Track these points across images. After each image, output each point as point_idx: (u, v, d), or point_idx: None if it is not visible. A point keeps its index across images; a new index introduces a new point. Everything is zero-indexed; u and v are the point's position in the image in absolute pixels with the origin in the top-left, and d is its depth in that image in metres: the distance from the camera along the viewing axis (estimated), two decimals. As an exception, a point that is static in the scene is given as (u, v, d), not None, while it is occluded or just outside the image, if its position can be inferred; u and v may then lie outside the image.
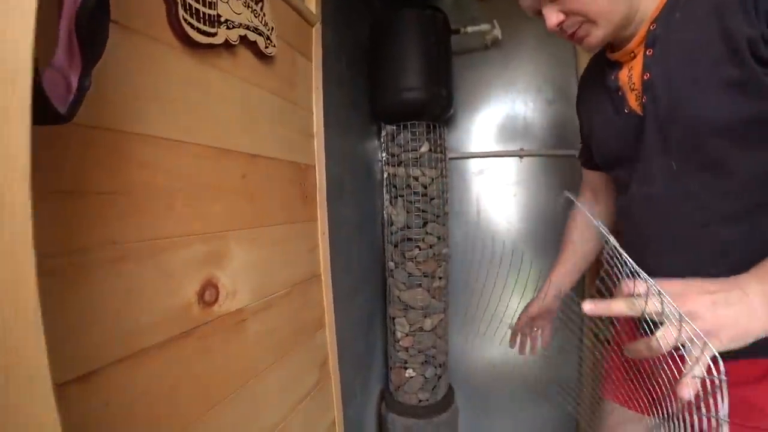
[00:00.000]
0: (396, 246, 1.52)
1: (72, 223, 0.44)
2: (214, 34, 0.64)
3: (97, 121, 0.47)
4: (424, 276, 1.49)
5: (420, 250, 1.49)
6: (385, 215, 1.62)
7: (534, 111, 1.69)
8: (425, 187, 1.50)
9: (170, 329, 0.56)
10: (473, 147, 1.75)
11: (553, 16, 0.66)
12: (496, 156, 1.72)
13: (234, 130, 0.71)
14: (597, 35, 0.66)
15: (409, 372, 1.51)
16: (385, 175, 1.62)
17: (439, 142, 1.53)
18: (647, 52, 0.65)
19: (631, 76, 0.69)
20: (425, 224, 1.50)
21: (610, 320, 1.32)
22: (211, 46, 0.65)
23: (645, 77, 0.65)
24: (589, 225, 0.96)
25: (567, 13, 0.66)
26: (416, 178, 1.49)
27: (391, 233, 1.53)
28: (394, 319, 1.53)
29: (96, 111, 0.47)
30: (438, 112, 1.46)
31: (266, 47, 0.79)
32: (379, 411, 1.62)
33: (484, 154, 1.73)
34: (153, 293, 0.53)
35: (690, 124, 0.61)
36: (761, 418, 0.59)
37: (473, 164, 1.76)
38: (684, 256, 0.65)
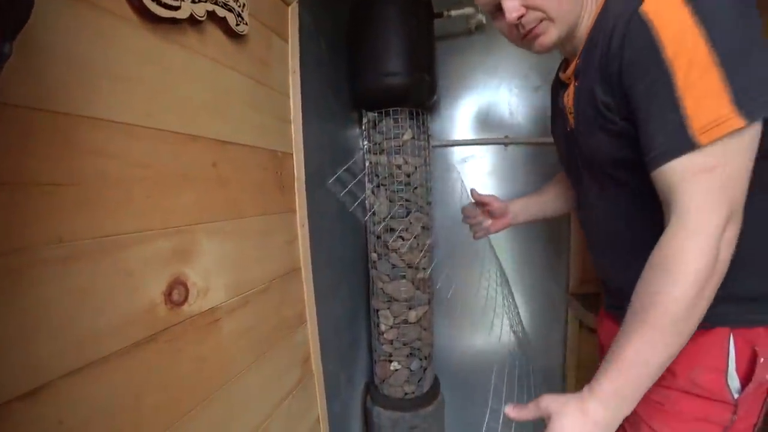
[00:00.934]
0: (379, 237, 1.48)
1: (10, 219, 0.39)
2: (177, 8, 0.58)
3: (39, 103, 0.41)
4: (408, 267, 1.45)
5: (403, 240, 1.45)
6: (367, 205, 1.57)
7: (519, 98, 1.66)
8: (408, 176, 1.46)
9: (133, 334, 0.51)
10: (457, 135, 1.72)
11: (514, 9, 0.66)
12: (480, 144, 1.69)
13: (202, 115, 0.65)
14: (552, 34, 0.69)
15: (394, 365, 1.48)
16: (367, 164, 1.57)
17: (422, 129, 1.49)
18: (576, 83, 0.71)
19: (568, 99, 0.75)
20: (408, 214, 1.45)
21: (594, 309, 1.33)
22: (174, 21, 0.59)
23: (575, 103, 0.72)
24: (563, 189, 1.07)
25: (528, 8, 0.66)
26: (399, 167, 1.44)
27: (374, 224, 1.49)
28: (377, 311, 1.49)
29: (38, 91, 0.41)
30: (421, 98, 1.41)
31: (237, 25, 0.73)
32: (364, 405, 1.59)
33: (468, 142, 1.69)
34: (111, 295, 0.48)
35: (592, 153, 0.70)
36: (672, 380, 0.66)
37: (457, 152, 1.72)
38: (613, 249, 0.77)
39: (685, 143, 0.52)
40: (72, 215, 0.44)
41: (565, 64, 0.80)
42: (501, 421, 1.21)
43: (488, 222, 1.08)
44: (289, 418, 0.90)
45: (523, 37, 0.71)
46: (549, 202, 1.08)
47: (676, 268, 0.53)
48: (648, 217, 0.64)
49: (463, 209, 1.13)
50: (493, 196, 1.07)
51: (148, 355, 0.53)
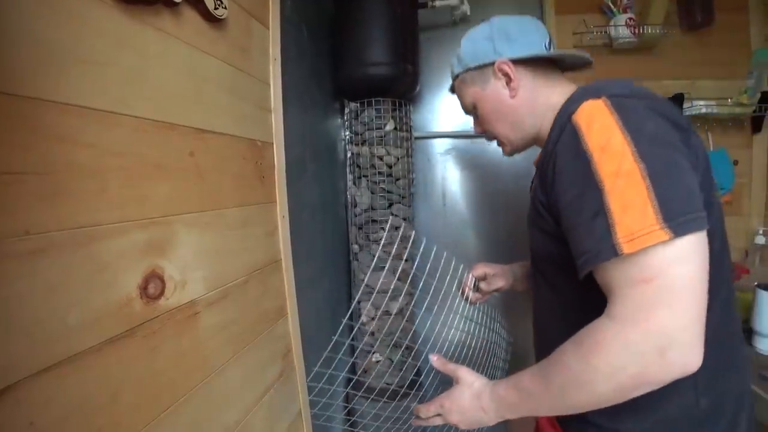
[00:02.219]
0: (360, 228, 1.47)
1: (-28, 210, 0.36)
2: (151, -12, 0.56)
3: (1, 86, 0.38)
4: (390, 258, 1.45)
5: (385, 231, 1.44)
6: (348, 196, 1.56)
7: (500, 90, 1.66)
8: (390, 167, 1.45)
9: (108, 330, 0.49)
10: (439, 127, 1.71)
11: (477, 127, 0.91)
12: (463, 137, 1.69)
13: (178, 102, 0.63)
14: (507, 150, 0.88)
15: (376, 356, 1.48)
16: (349, 155, 1.55)
17: (405, 120, 1.48)
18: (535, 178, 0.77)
19: (532, 187, 0.82)
20: (390, 205, 1.45)
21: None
22: (148, 3, 0.56)
23: (531, 193, 0.77)
24: None
25: (484, 129, 0.88)
26: (381, 158, 1.44)
27: (355, 215, 1.48)
28: (359, 303, 1.49)
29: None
30: (404, 88, 1.40)
31: (216, 8, 0.70)
32: (346, 397, 1.59)
33: (451, 134, 1.69)
34: (83, 290, 0.46)
35: (531, 246, 0.78)
36: None
37: (439, 144, 1.72)
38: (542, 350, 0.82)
39: (610, 249, 0.50)
40: (40, 206, 0.41)
41: None
42: None
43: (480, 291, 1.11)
44: (270, 412, 0.89)
45: None
46: None
47: (592, 362, 0.52)
48: (567, 318, 0.67)
49: (469, 297, 1.12)
50: (487, 267, 1.09)
51: (124, 352, 0.51)
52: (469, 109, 0.87)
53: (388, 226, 1.42)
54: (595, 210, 0.52)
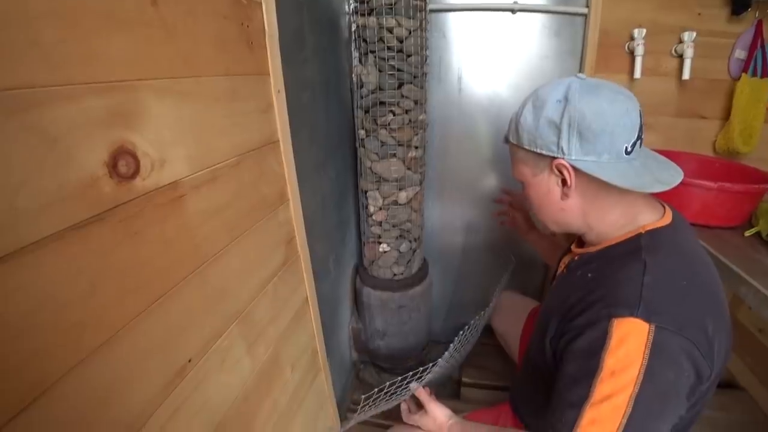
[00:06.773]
0: (367, 111, 1.34)
1: None
2: None
3: None
4: (399, 145, 1.34)
5: (394, 115, 1.31)
6: (353, 77, 1.40)
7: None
8: (401, 42, 1.27)
9: (70, 214, 0.42)
10: (457, -6, 1.47)
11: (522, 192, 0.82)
12: (484, 9, 1.46)
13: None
14: (540, 225, 0.89)
15: (383, 247, 1.46)
16: (354, 28, 1.36)
17: (418, -17, 1.25)
18: (565, 268, 0.82)
19: (563, 265, 0.85)
20: (400, 86, 1.30)
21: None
22: None
23: (556, 281, 0.86)
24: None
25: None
26: (390, 30, 1.25)
27: (361, 96, 1.34)
28: (366, 192, 1.42)
29: None
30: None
31: None
32: (354, 285, 1.61)
33: (471, 7, 1.46)
34: (30, 166, 0.37)
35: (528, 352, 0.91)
36: None
37: (457, 19, 1.49)
38: (523, 391, 0.97)
39: None
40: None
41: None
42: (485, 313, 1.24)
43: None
44: (275, 300, 0.87)
45: None
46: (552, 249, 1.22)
47: None
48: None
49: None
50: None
51: (96, 239, 0.45)
52: (517, 179, 0.80)
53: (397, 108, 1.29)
54: (575, 402, 0.59)
